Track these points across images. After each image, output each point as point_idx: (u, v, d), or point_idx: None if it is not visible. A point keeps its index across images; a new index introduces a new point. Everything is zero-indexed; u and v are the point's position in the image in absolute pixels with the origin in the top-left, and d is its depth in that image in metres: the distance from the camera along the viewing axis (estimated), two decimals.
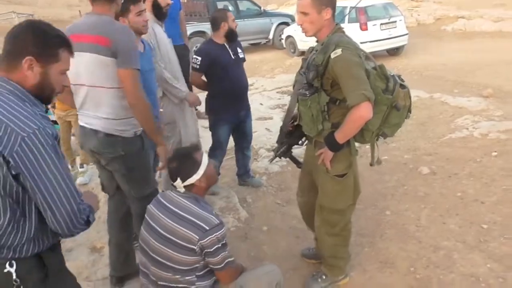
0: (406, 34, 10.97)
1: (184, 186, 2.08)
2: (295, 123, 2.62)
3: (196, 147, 2.12)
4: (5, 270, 1.49)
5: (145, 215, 2.18)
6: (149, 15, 3.13)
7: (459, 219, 3.49)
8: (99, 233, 3.52)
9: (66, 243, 3.41)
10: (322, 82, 2.29)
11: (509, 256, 2.98)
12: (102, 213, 3.51)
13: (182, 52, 5.38)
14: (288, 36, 12.32)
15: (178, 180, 2.08)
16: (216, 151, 3.94)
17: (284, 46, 12.67)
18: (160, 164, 2.81)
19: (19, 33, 1.51)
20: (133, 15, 2.79)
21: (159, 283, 2.07)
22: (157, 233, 2.05)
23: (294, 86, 2.51)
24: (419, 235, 3.32)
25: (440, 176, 4.28)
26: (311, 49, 2.48)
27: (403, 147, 5.05)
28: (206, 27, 11.79)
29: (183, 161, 2.09)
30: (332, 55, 2.19)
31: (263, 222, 3.67)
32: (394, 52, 11.02)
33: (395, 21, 10.66)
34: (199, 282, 2.06)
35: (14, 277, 1.49)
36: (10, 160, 1.40)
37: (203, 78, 3.79)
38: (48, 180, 1.45)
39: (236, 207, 3.92)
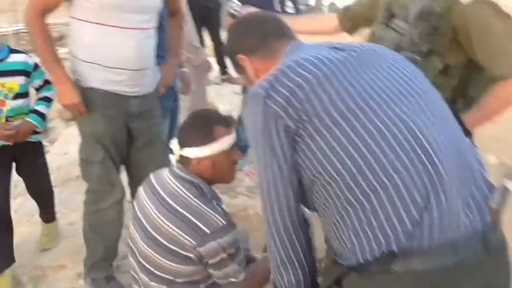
0: None
1: (180, 157, 1.53)
2: None
3: (225, 121, 1.53)
4: None
5: (134, 202, 1.63)
6: None
7: None
8: None
9: (68, 215, 2.95)
10: (436, 40, 1.60)
11: None
12: None
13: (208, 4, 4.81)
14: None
15: (176, 143, 1.54)
16: None
17: None
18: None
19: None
20: None
21: None
22: (144, 230, 1.51)
23: None
24: None
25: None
26: None
27: None
28: None
29: (195, 125, 1.53)
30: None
31: None
32: None
33: None
34: None
35: None
36: None
37: None
38: None
39: None
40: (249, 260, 1.67)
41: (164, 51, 2.33)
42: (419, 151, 0.98)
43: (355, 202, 0.99)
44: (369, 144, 0.98)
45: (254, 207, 3.09)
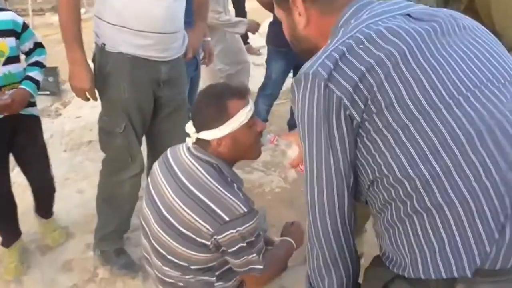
0: None
1: (198, 140, 1.40)
2: None
3: (238, 92, 1.38)
4: None
5: (148, 178, 1.52)
6: None
7: None
8: None
9: (79, 183, 2.86)
10: (452, 8, 1.50)
11: None
12: None
13: None
14: None
15: (191, 125, 1.40)
16: (267, 90, 3.28)
17: None
18: None
19: None
20: None
21: (166, 280, 1.44)
22: (158, 211, 1.40)
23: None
24: None
25: None
26: None
27: None
28: None
29: (208, 104, 1.38)
30: None
31: None
32: None
33: None
34: (220, 283, 1.44)
35: None
36: None
37: None
38: None
39: (283, 164, 3.22)
40: (266, 242, 1.56)
41: (189, 16, 2.18)
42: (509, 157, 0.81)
43: (422, 212, 0.84)
44: (450, 146, 0.81)
45: (270, 183, 3.00)
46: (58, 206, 2.51)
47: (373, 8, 0.96)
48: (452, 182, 0.81)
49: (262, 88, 3.32)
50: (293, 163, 1.41)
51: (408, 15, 0.93)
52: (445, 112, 0.83)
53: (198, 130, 1.38)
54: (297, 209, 2.76)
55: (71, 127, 3.65)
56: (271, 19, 3.19)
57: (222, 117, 1.34)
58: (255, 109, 1.44)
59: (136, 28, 1.81)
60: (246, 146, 1.41)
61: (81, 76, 1.85)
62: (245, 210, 1.31)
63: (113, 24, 1.83)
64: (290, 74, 3.34)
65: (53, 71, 4.06)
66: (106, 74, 1.89)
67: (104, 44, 1.87)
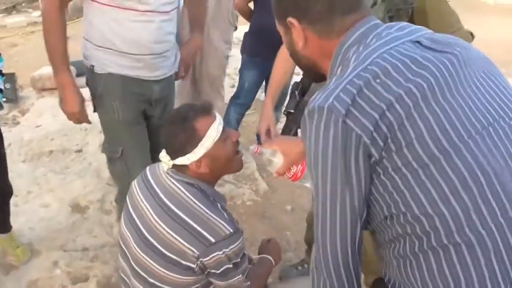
0: None
1: (175, 166, 1.36)
2: None
3: (202, 110, 1.35)
4: None
5: (127, 196, 1.46)
6: None
7: None
8: (85, 187, 2.81)
9: (43, 196, 2.71)
10: (396, 21, 1.64)
11: None
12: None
13: None
14: None
15: (165, 154, 1.37)
16: (239, 99, 3.24)
17: None
18: None
19: None
20: None
21: None
22: (139, 232, 1.35)
23: None
24: None
25: None
26: None
27: None
28: None
29: (176, 130, 1.34)
30: None
31: (287, 200, 2.97)
32: None
33: None
34: None
35: None
36: None
37: (250, 5, 3.13)
38: None
39: (254, 176, 3.21)
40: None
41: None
42: None
43: (439, 249, 0.84)
44: (469, 186, 0.81)
45: (241, 196, 2.96)
46: (21, 221, 2.38)
47: (381, 34, 0.94)
48: (470, 222, 0.81)
49: (235, 97, 3.29)
50: (279, 172, 1.41)
51: (418, 42, 0.92)
52: (464, 152, 0.82)
53: (173, 157, 1.34)
54: (269, 222, 2.75)
55: (31, 136, 3.46)
56: (244, 27, 3.19)
57: (193, 139, 1.31)
58: (226, 118, 1.41)
59: (125, 51, 1.76)
60: (226, 160, 1.38)
61: (70, 100, 1.80)
62: (231, 230, 1.28)
63: (99, 46, 1.77)
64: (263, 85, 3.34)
65: (11, 77, 3.85)
66: (98, 96, 1.85)
67: (93, 66, 1.81)
